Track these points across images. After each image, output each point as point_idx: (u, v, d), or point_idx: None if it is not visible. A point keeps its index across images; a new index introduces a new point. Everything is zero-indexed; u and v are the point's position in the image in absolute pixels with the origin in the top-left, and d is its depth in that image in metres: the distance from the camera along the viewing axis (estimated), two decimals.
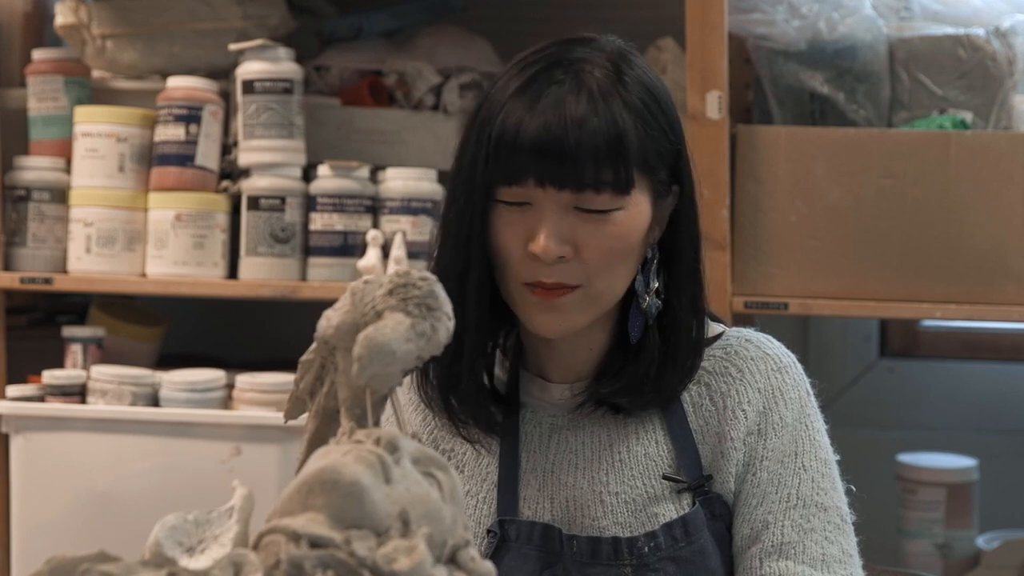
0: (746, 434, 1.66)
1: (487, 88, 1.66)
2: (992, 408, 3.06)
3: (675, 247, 1.67)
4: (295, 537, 1.03)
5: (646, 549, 1.62)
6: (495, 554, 1.64)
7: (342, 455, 1.07)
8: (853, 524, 1.68)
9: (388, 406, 1.23)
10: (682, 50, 2.45)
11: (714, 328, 1.73)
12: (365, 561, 1.02)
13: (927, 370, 3.13)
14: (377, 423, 1.20)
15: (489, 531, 1.65)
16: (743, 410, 1.67)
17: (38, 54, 2.70)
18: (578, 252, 1.59)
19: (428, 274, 1.19)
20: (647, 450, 1.67)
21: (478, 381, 1.66)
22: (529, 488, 1.68)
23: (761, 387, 1.68)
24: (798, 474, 1.66)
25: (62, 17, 2.67)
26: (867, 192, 2.34)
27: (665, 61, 2.60)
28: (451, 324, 1.19)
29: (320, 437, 1.31)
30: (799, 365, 1.71)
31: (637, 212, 1.61)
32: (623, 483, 1.66)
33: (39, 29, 2.88)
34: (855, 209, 2.34)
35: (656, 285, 1.67)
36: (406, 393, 1.74)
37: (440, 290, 1.19)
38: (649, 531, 1.63)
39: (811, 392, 1.71)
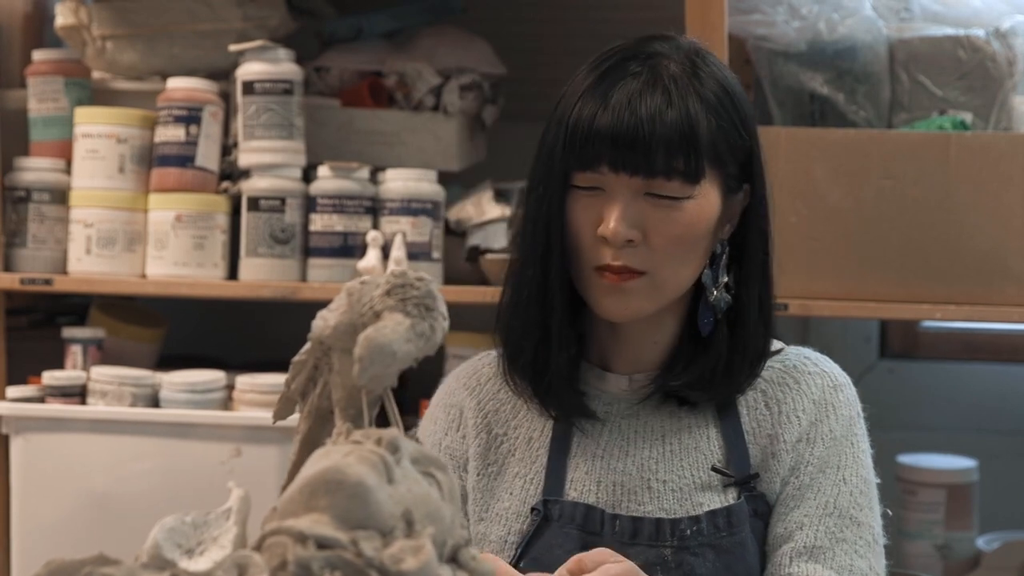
0: (796, 440, 1.70)
1: (567, 83, 1.73)
2: (992, 409, 3.06)
3: (745, 244, 1.72)
4: (302, 538, 1.03)
5: (688, 532, 1.65)
6: (536, 531, 1.67)
7: (344, 456, 1.07)
8: (885, 548, 1.72)
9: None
10: None
11: (775, 344, 1.77)
12: (372, 561, 1.02)
13: (927, 371, 3.13)
14: (372, 423, 1.20)
15: (533, 509, 1.69)
16: (796, 416, 1.71)
17: (38, 55, 2.70)
18: (646, 238, 1.64)
19: (425, 275, 1.20)
20: (698, 443, 1.71)
21: (568, 365, 1.71)
22: (577, 471, 1.71)
23: (816, 399, 1.72)
24: (838, 485, 1.70)
25: (62, 18, 2.67)
26: (867, 193, 2.34)
27: None
28: (446, 324, 1.20)
29: (313, 438, 1.31)
30: (853, 388, 1.76)
31: (706, 203, 1.66)
32: (671, 471, 1.69)
33: (39, 30, 2.88)
34: (855, 210, 2.34)
35: (725, 280, 1.71)
36: (461, 379, 1.81)
37: (437, 290, 1.19)
38: (693, 515, 1.66)
39: (861, 415, 1.76)
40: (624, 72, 1.67)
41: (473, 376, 1.81)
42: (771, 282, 1.75)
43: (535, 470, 1.73)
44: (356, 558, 1.02)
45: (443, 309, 1.19)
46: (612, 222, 1.63)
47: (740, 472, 1.69)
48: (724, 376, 1.71)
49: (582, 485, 1.70)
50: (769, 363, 1.75)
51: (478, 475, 1.74)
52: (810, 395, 1.73)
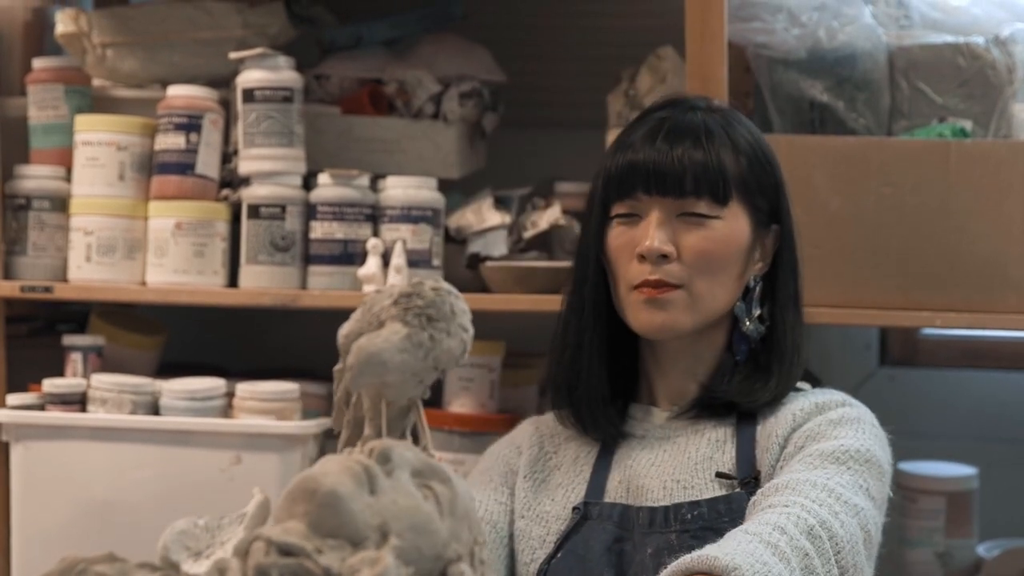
0: (790, 431, 1.82)
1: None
2: (992, 417, 3.06)
3: (777, 277, 1.91)
4: (269, 545, 1.03)
5: (689, 516, 1.78)
6: (575, 527, 1.84)
7: (329, 464, 1.08)
8: (883, 555, 1.83)
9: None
10: (682, 59, 2.45)
11: (802, 386, 1.94)
12: (331, 571, 1.02)
13: (927, 378, 3.13)
14: (396, 434, 1.20)
15: (574, 508, 1.86)
16: (794, 414, 1.84)
17: (38, 63, 2.70)
18: (680, 253, 1.82)
19: (442, 285, 1.21)
20: (713, 454, 1.85)
21: (598, 381, 1.91)
22: (612, 482, 1.88)
23: (819, 402, 1.86)
24: (829, 441, 1.79)
25: (62, 26, 2.67)
26: (867, 200, 2.34)
27: (665, 70, 2.61)
28: (465, 336, 1.20)
29: (349, 445, 1.31)
30: (875, 421, 1.89)
31: (736, 225, 1.85)
32: (684, 472, 1.84)
33: (39, 38, 2.88)
34: (855, 217, 2.33)
35: (759, 311, 1.89)
36: (530, 419, 2.04)
37: (450, 302, 1.19)
38: (693, 500, 1.80)
39: (885, 444, 1.88)
40: (655, 119, 1.88)
41: (539, 417, 2.04)
42: (802, 311, 1.92)
43: (577, 481, 1.90)
44: (315, 567, 1.03)
45: (462, 321, 1.19)
46: (647, 238, 1.81)
47: (743, 475, 1.81)
48: (760, 391, 1.86)
49: (615, 493, 1.86)
50: (793, 395, 1.90)
51: (524, 478, 1.93)
52: (814, 400, 1.86)
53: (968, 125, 2.43)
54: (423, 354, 1.17)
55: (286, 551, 1.03)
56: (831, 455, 1.74)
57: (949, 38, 2.47)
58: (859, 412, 1.85)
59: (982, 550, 2.81)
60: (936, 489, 2.79)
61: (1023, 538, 2.85)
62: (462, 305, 1.22)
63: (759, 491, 1.73)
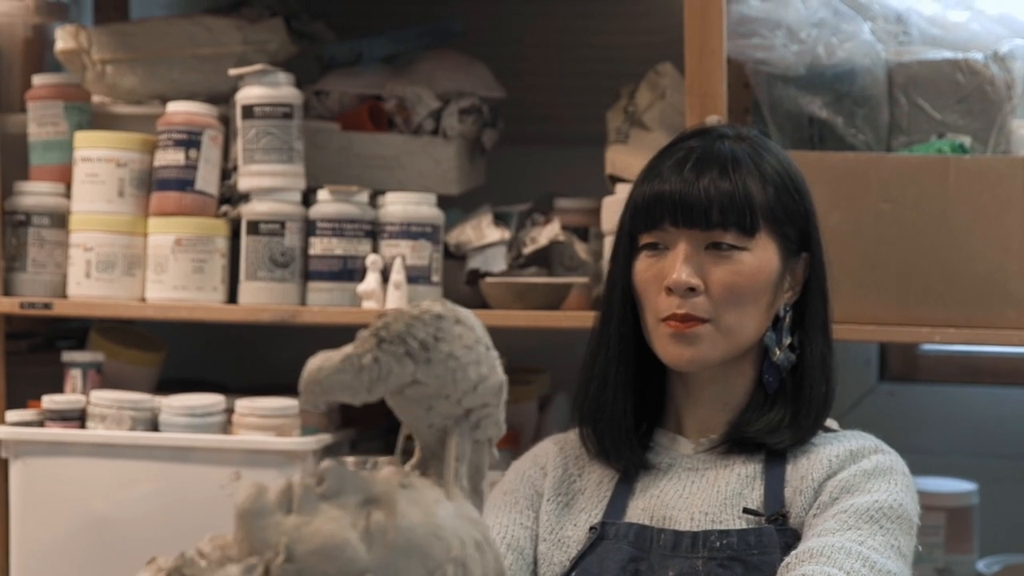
0: (825, 478, 1.80)
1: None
2: (992, 432, 3.05)
3: (808, 306, 1.89)
4: (159, 569, 1.05)
5: (718, 544, 1.77)
6: (591, 547, 1.82)
7: (277, 482, 1.09)
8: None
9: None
10: (681, 75, 2.46)
11: (832, 425, 1.92)
12: None
13: (927, 394, 3.12)
14: (401, 457, 1.20)
15: (592, 528, 1.84)
16: (829, 460, 1.82)
17: (38, 79, 2.70)
18: (708, 287, 1.81)
19: (431, 309, 1.19)
20: (742, 489, 1.83)
21: (623, 414, 1.88)
22: (634, 508, 1.85)
23: (853, 448, 1.84)
24: (862, 496, 1.76)
25: (62, 43, 2.67)
26: (866, 216, 2.34)
27: (664, 86, 2.61)
28: (454, 363, 1.17)
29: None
30: (906, 468, 1.85)
31: (764, 257, 1.82)
32: (712, 506, 1.82)
33: (39, 55, 2.88)
34: (854, 233, 2.34)
35: (788, 341, 1.87)
36: (554, 438, 2.00)
37: (436, 327, 1.17)
38: (723, 529, 1.78)
39: (914, 494, 1.82)
40: (683, 148, 1.85)
41: (563, 436, 1.99)
42: (831, 340, 1.91)
43: (600, 506, 1.87)
44: None
45: (452, 348, 1.17)
46: (674, 272, 1.79)
47: (771, 511, 1.80)
48: (790, 427, 1.84)
49: (638, 518, 1.84)
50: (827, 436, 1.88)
51: (548, 501, 1.90)
52: (848, 446, 1.84)
53: (967, 141, 2.43)
54: (364, 376, 1.14)
55: (182, 565, 1.05)
56: (864, 513, 1.73)
57: (948, 54, 2.47)
58: (891, 461, 1.83)
59: (982, 566, 2.81)
60: (936, 505, 2.79)
61: (1023, 554, 2.85)
62: (458, 331, 1.19)
63: (793, 553, 1.71)
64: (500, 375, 1.22)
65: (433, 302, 1.20)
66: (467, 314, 1.21)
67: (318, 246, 2.54)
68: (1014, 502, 2.97)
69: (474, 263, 2.61)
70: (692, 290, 1.80)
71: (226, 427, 2.54)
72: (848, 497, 1.76)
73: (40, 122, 2.67)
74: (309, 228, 2.56)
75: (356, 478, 1.10)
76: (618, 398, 1.88)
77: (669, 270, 1.81)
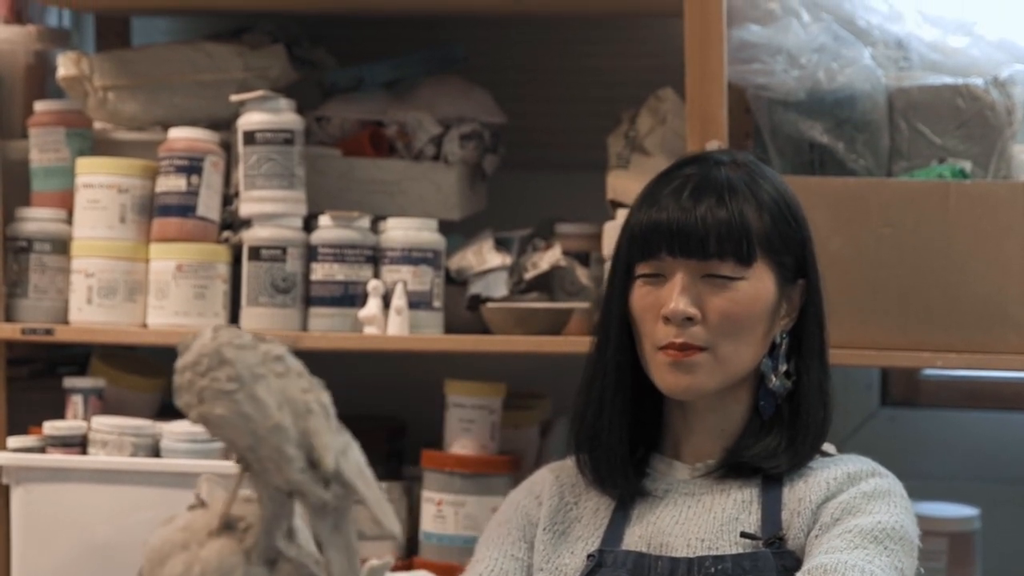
0: (822, 500, 1.81)
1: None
2: (994, 457, 3.05)
3: (804, 332, 1.89)
4: None
5: (712, 570, 1.77)
6: (589, 575, 1.82)
7: None
8: None
9: None
10: (682, 100, 2.46)
11: (829, 449, 1.93)
12: None
13: (928, 419, 3.12)
14: (270, 521, 1.26)
15: (589, 556, 1.84)
16: (827, 483, 1.82)
17: (40, 106, 2.71)
18: (704, 316, 1.81)
19: (240, 344, 1.27)
20: (739, 514, 1.83)
21: (618, 441, 1.89)
22: (631, 535, 1.85)
23: (851, 471, 1.84)
24: (864, 517, 1.77)
25: (64, 69, 2.68)
26: (867, 241, 2.34)
27: (665, 111, 2.61)
28: (239, 396, 1.21)
29: None
30: (904, 491, 1.86)
31: (761, 286, 1.83)
32: (709, 532, 1.82)
33: (41, 81, 2.88)
34: (855, 258, 2.34)
35: (785, 367, 1.88)
36: (551, 466, 2.00)
37: (204, 362, 1.22)
38: (718, 555, 1.79)
39: (913, 515, 1.83)
40: (679, 175, 1.86)
41: (559, 464, 1.99)
42: (828, 366, 1.91)
43: (597, 534, 1.87)
44: None
45: (224, 387, 1.21)
46: (672, 302, 1.80)
47: (768, 535, 1.80)
48: (787, 452, 1.85)
49: (635, 546, 1.84)
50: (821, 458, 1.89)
51: (544, 530, 1.90)
52: (846, 469, 1.85)
53: (967, 166, 2.43)
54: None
55: None
56: (869, 533, 1.74)
57: (948, 79, 2.48)
58: (889, 484, 1.84)
59: None
60: (938, 530, 2.78)
61: None
62: (235, 355, 1.24)
63: (805, 569, 1.72)
64: (274, 417, 1.23)
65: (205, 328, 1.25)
66: (236, 351, 1.25)
67: (319, 271, 2.54)
68: (1016, 527, 2.97)
69: (475, 288, 2.61)
70: (690, 319, 1.81)
71: (227, 453, 2.54)
72: (851, 518, 1.76)
73: (42, 148, 2.67)
74: (310, 254, 2.56)
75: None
76: (614, 425, 1.88)
77: (667, 300, 1.82)
